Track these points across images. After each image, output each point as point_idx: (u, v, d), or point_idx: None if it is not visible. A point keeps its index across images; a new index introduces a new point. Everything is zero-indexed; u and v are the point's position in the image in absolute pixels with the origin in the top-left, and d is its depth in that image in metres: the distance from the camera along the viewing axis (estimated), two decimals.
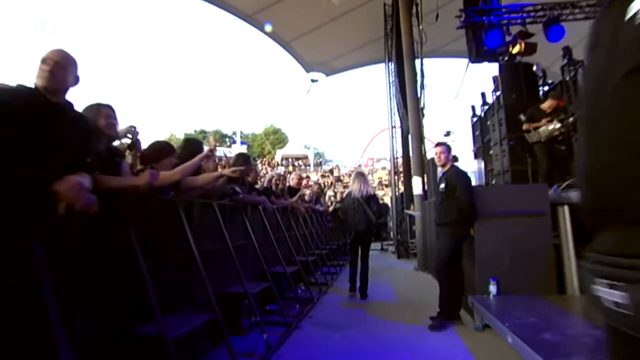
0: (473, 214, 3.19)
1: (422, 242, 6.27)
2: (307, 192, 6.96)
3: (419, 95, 6.82)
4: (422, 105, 6.60)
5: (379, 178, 32.05)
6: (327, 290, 4.97)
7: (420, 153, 6.30)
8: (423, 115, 6.55)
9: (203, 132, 45.09)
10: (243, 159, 3.47)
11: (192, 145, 2.86)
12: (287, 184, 5.20)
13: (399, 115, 8.50)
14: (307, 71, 13.10)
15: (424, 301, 3.95)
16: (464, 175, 3.33)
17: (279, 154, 36.42)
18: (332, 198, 9.04)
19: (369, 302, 4.36)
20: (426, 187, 6.33)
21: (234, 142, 42.41)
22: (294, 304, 3.86)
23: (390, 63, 9.90)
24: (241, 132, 42.73)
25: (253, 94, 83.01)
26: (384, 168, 33.85)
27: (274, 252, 3.94)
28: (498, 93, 6.78)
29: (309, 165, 34.84)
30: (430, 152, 5.31)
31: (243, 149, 39.61)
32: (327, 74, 13.41)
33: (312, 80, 13.52)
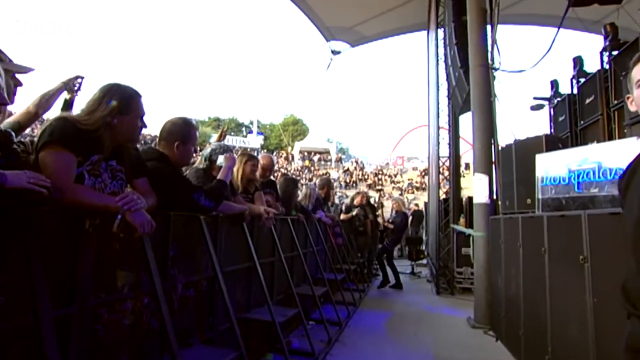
0: None
1: (485, 282, 4.10)
2: (306, 190, 4.94)
3: (489, 55, 4.63)
4: (492, 63, 4.41)
5: (409, 179, 29.59)
6: None
7: (489, 134, 4.12)
8: (494, 76, 4.35)
9: (217, 119, 44.10)
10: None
11: None
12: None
13: (449, 84, 6.28)
14: (328, 39, 11.07)
15: None
16: None
17: (297, 147, 34.66)
18: (343, 200, 6.99)
19: None
20: (496, 192, 4.15)
21: (250, 132, 41.19)
22: None
23: (437, 29, 7.71)
24: (258, 122, 41.45)
25: (272, 79, 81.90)
26: (415, 168, 31.37)
27: None
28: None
29: (330, 161, 32.81)
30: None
31: (259, 140, 38.33)
32: (352, 44, 11.30)
33: (333, 52, 11.45)
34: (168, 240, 1.92)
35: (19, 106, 1.92)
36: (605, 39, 4.79)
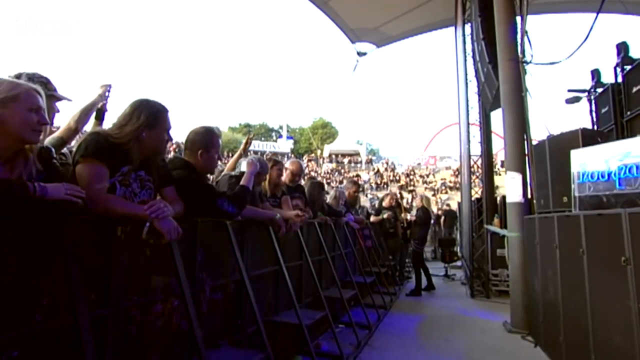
0: None
1: (521, 285, 3.91)
2: (334, 193, 4.96)
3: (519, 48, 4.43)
4: (523, 56, 4.21)
5: (442, 179, 28.78)
6: None
7: (521, 131, 3.93)
8: (525, 70, 4.16)
9: (248, 125, 45.24)
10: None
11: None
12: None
13: (478, 80, 6.08)
14: (353, 42, 11.04)
15: None
16: None
17: (327, 150, 34.77)
18: (372, 202, 6.94)
19: None
20: (530, 190, 3.96)
21: (280, 136, 41.88)
22: None
23: (465, 25, 7.50)
24: (288, 126, 42.04)
25: (300, 83, 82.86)
26: (448, 168, 30.48)
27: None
28: None
29: (360, 163, 32.59)
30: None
31: (289, 144, 38.85)
32: (378, 45, 11.20)
33: (359, 54, 11.41)
34: (195, 246, 2.00)
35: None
36: None
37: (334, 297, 3.64)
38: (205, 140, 2.08)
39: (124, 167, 1.65)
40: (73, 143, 2.87)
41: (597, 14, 4.42)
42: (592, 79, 6.63)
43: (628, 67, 5.21)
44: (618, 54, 5.41)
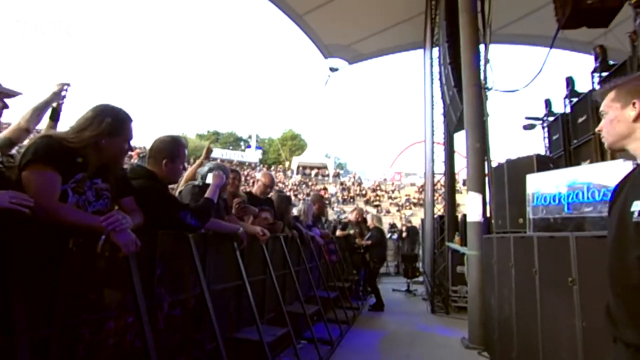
0: None
1: (478, 302, 4.07)
2: (302, 206, 4.95)
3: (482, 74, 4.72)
4: (485, 83, 4.49)
5: (406, 195, 29.60)
6: None
7: (482, 153, 4.17)
8: (487, 96, 4.43)
9: (216, 133, 44.42)
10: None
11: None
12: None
13: (444, 102, 6.39)
14: (326, 57, 11.27)
15: None
16: None
17: (295, 162, 34.77)
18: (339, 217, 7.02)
19: None
20: (489, 211, 4.17)
21: (249, 146, 41.40)
22: None
23: (432, 48, 7.89)
24: (257, 136, 41.68)
25: (271, 94, 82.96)
26: (412, 184, 31.44)
27: None
28: None
29: (327, 176, 32.86)
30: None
31: (258, 154, 38.49)
32: (350, 62, 11.50)
33: (331, 69, 11.66)
34: (155, 259, 1.91)
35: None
36: (595, 60, 4.91)
37: (297, 312, 3.59)
38: (171, 150, 2.01)
39: (78, 174, 1.56)
40: (26, 142, 2.68)
41: (550, 48, 4.83)
42: (546, 107, 7.20)
43: (575, 99, 5.71)
44: (567, 87, 5.92)
